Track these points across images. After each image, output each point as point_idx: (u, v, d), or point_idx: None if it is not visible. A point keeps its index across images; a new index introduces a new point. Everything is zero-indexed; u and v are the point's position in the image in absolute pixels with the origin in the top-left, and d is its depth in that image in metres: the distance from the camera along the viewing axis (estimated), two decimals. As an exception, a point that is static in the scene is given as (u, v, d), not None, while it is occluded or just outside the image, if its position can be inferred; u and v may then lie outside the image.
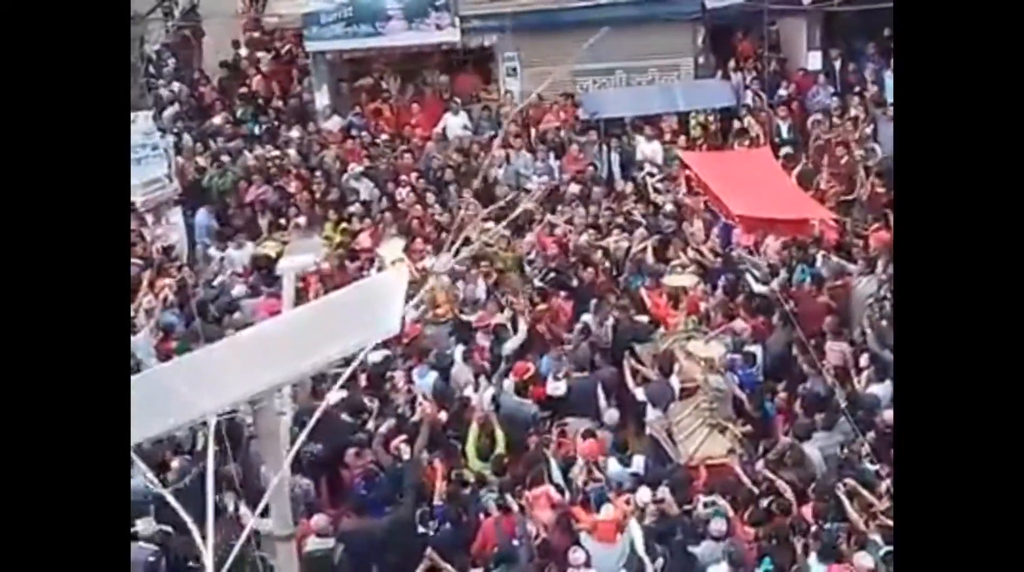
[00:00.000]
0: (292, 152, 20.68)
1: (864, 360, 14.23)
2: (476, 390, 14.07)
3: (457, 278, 16.22)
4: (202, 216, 19.31)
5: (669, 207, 18.00)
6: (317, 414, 6.42)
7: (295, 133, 21.33)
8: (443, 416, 13.68)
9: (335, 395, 13.80)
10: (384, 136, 21.15)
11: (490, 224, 17.50)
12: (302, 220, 18.53)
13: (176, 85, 23.57)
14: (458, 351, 14.76)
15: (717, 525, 11.57)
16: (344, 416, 13.54)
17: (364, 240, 17.60)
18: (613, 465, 12.94)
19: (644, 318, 15.37)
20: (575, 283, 16.32)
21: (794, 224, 16.01)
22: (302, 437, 6.26)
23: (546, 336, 15.31)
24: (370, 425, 13.46)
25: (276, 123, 22.21)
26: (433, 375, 14.43)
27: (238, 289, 16.67)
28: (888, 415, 12.92)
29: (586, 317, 15.48)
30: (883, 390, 13.56)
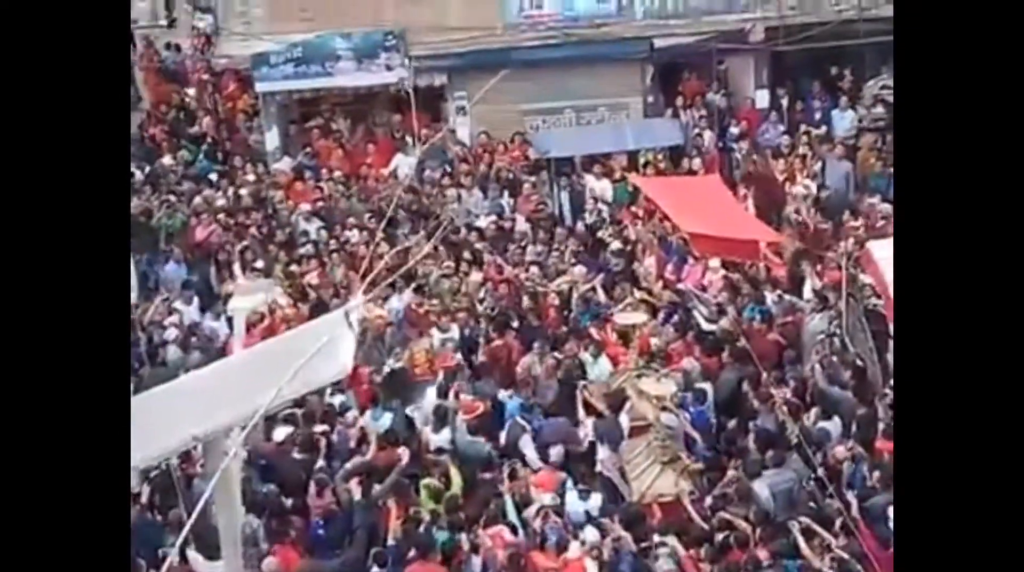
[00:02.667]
0: (244, 193, 20.52)
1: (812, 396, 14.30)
2: (435, 431, 14.03)
3: (421, 329, 16.22)
4: (173, 269, 18.81)
5: (616, 245, 18.04)
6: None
7: (250, 177, 21.14)
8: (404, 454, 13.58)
9: (282, 432, 13.73)
10: (336, 174, 21.05)
11: (447, 264, 17.55)
12: (259, 263, 18.33)
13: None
14: (431, 393, 14.69)
15: (666, 565, 11.55)
16: (295, 455, 13.44)
17: (313, 281, 17.46)
18: (570, 504, 12.90)
19: (592, 357, 15.28)
20: (517, 324, 16.17)
21: (744, 245, 16.04)
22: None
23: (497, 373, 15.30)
24: (320, 464, 13.32)
25: (226, 164, 22.07)
26: (388, 416, 14.34)
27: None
28: (839, 450, 12.99)
29: (528, 358, 15.36)
30: (832, 426, 13.65)
